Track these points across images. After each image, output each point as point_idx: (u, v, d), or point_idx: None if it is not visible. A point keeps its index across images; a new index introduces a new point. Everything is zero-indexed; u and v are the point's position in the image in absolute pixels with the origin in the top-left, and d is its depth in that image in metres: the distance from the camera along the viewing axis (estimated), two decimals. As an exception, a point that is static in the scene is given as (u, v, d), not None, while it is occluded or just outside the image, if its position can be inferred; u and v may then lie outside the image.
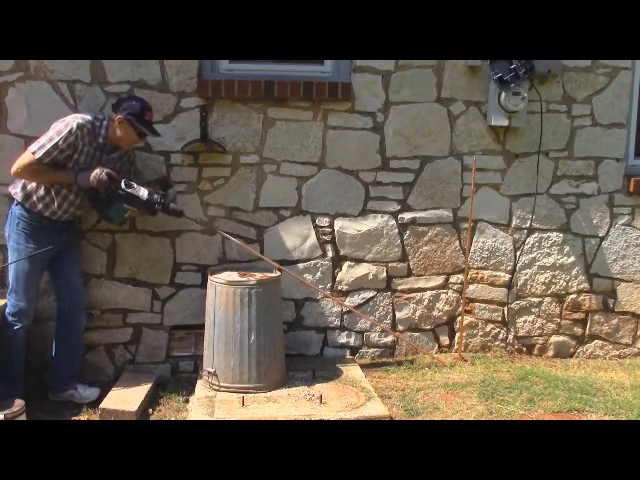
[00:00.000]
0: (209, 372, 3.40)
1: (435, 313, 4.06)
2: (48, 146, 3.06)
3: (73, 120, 3.11)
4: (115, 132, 3.21)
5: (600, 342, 4.23)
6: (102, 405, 3.27)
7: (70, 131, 3.07)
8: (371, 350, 4.03)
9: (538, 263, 4.12)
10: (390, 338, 4.03)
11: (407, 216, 3.95)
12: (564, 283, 4.15)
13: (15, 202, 3.24)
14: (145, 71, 3.59)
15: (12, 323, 3.27)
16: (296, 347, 3.91)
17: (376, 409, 3.17)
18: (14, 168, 3.11)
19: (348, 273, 3.95)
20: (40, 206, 3.19)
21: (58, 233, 3.29)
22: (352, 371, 3.70)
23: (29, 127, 3.52)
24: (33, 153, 3.06)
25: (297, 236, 3.87)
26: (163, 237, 3.73)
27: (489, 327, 4.13)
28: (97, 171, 3.12)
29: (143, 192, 3.26)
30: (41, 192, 3.18)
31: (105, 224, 3.62)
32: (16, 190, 3.21)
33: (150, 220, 3.66)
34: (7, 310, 3.29)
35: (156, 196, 3.29)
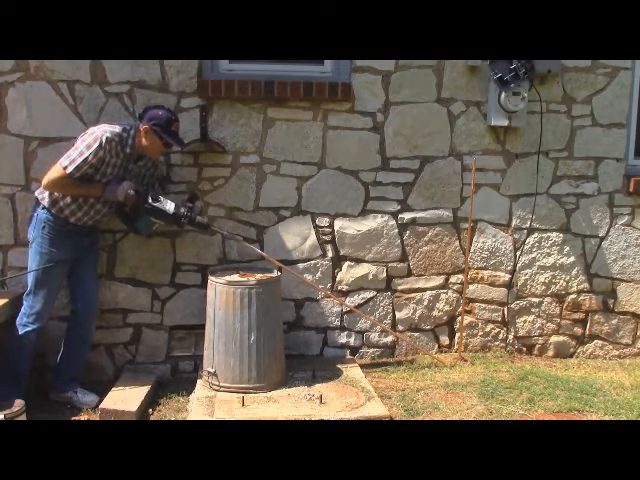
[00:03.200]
0: (209, 372, 3.40)
1: (435, 313, 4.06)
2: (79, 161, 3.07)
3: (102, 134, 3.10)
4: (141, 142, 3.22)
5: (600, 342, 4.23)
6: (102, 405, 3.26)
7: (100, 145, 3.08)
8: (371, 350, 4.03)
9: (538, 263, 4.12)
10: (390, 338, 4.03)
11: (407, 216, 3.95)
12: (564, 283, 4.15)
13: (41, 206, 3.24)
14: (145, 71, 3.59)
15: (25, 324, 3.27)
16: (296, 347, 3.91)
17: (376, 409, 3.17)
18: (45, 181, 3.13)
19: (348, 273, 3.95)
20: (67, 212, 3.21)
21: (80, 238, 3.32)
22: (352, 371, 3.70)
23: (29, 127, 3.52)
24: (64, 168, 3.07)
25: (297, 236, 3.87)
26: (163, 237, 3.72)
27: (489, 327, 4.13)
28: (124, 186, 3.14)
29: (170, 206, 3.28)
30: (68, 199, 3.20)
31: (105, 224, 3.62)
32: (43, 195, 3.23)
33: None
34: (22, 311, 3.29)
35: (182, 209, 3.32)
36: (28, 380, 3.35)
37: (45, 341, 3.54)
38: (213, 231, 3.59)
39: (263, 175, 3.79)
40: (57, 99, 3.53)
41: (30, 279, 3.28)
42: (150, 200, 3.23)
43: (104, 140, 3.08)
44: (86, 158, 3.06)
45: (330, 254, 3.92)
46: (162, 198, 3.29)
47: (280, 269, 3.59)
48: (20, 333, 3.26)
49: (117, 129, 3.18)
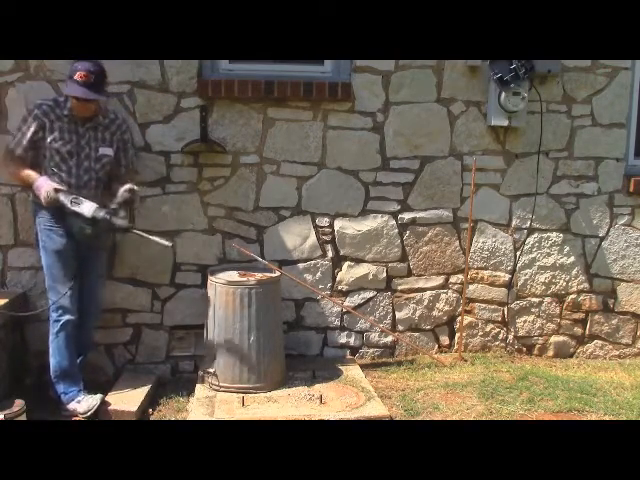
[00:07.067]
0: (209, 372, 3.40)
1: (435, 313, 4.06)
2: (18, 136, 3.19)
3: (33, 104, 3.20)
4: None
5: (600, 342, 4.23)
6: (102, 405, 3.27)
7: (29, 113, 3.18)
8: (371, 350, 4.03)
9: (538, 263, 4.12)
10: (390, 338, 4.03)
11: (407, 216, 3.95)
12: (564, 283, 4.15)
13: (30, 201, 3.30)
14: (145, 71, 3.59)
15: (56, 320, 3.25)
16: (296, 347, 3.91)
17: (376, 409, 3.17)
18: None
19: (348, 273, 3.95)
20: None
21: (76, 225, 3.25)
22: (352, 371, 3.70)
23: (29, 127, 3.52)
24: (8, 146, 3.22)
25: (297, 236, 3.87)
26: (163, 237, 3.72)
27: (489, 327, 4.13)
28: (45, 188, 3.10)
29: (88, 209, 3.08)
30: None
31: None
32: (28, 191, 3.28)
33: (149, 220, 3.67)
34: (50, 308, 3.29)
35: (102, 213, 3.09)
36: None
37: (44, 341, 3.53)
38: (134, 233, 3.26)
39: (263, 175, 3.79)
40: (57, 99, 3.53)
41: (45, 274, 3.29)
42: (69, 204, 3.09)
43: (33, 107, 3.18)
44: (20, 129, 3.17)
45: (330, 254, 3.92)
46: (84, 200, 3.11)
47: (271, 268, 3.59)
48: (54, 330, 3.26)
49: (51, 97, 3.27)
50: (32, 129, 3.15)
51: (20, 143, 3.17)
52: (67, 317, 3.25)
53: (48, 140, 3.17)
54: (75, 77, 3.08)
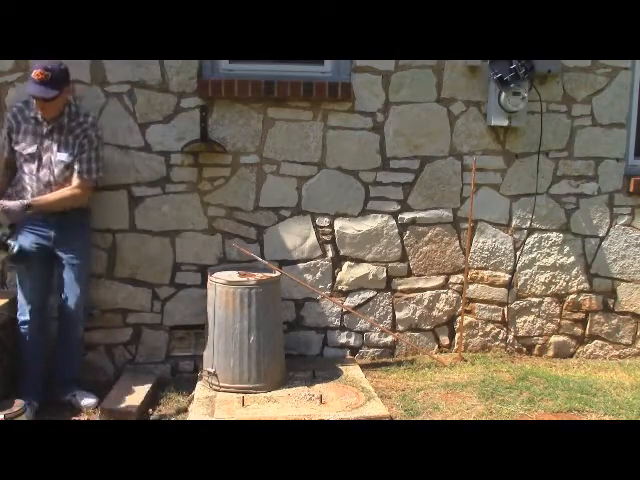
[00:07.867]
0: (209, 372, 3.40)
1: (435, 313, 4.06)
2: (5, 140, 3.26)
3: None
4: None
5: (600, 342, 4.23)
6: (102, 405, 3.27)
7: (6, 116, 3.24)
8: (371, 350, 4.03)
9: (538, 263, 4.12)
10: (390, 338, 4.03)
11: (407, 216, 3.95)
12: (564, 283, 4.15)
13: None
14: (145, 71, 3.59)
15: (17, 317, 3.27)
16: (296, 347, 3.91)
17: (376, 409, 3.17)
18: None
19: (348, 273, 3.95)
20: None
21: (42, 228, 3.22)
22: (352, 371, 3.70)
23: (29, 127, 3.52)
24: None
25: (297, 236, 3.87)
26: (163, 237, 3.73)
27: (489, 327, 4.13)
28: None
29: None
30: (8, 191, 3.26)
31: (105, 224, 3.63)
32: None
33: (149, 220, 3.67)
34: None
35: None
36: (36, 381, 3.34)
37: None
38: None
39: (263, 175, 3.78)
40: (57, 99, 3.52)
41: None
42: None
43: (8, 110, 3.25)
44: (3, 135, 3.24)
45: (330, 254, 3.92)
46: None
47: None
48: (16, 328, 3.27)
49: (24, 100, 3.25)
50: (4, 132, 3.20)
51: (5, 147, 3.22)
52: (23, 318, 3.26)
53: (14, 142, 3.19)
54: (32, 75, 3.05)
